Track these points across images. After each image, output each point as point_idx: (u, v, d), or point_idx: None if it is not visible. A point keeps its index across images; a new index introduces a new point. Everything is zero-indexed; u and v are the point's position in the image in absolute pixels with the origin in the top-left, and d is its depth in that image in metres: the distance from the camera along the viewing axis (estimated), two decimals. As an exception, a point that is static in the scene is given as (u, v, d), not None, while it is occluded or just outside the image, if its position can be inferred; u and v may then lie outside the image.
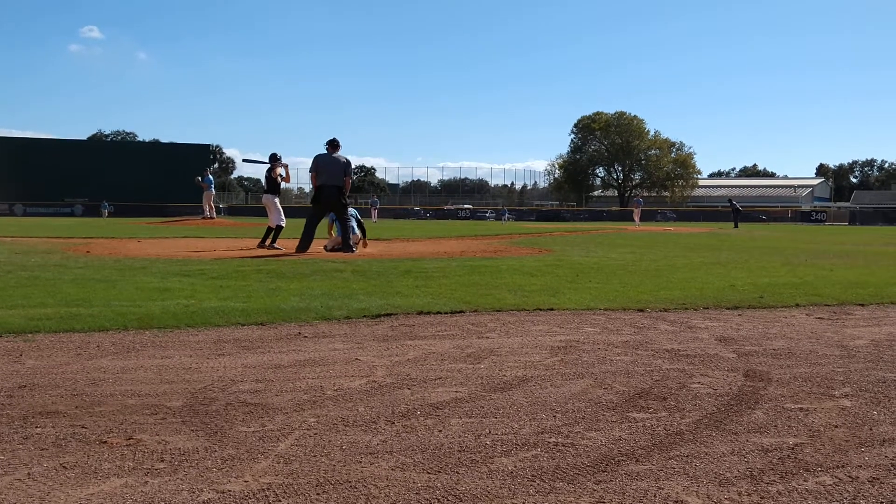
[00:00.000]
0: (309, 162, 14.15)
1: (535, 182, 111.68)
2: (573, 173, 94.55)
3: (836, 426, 3.31)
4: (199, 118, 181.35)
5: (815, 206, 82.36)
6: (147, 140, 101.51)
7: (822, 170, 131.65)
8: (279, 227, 14.61)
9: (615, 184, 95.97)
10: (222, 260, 11.71)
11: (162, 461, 2.77)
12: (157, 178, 67.05)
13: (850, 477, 2.69)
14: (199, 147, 74.76)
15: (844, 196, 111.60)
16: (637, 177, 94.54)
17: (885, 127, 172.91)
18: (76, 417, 3.31)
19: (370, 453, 2.89)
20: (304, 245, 13.51)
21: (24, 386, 3.86)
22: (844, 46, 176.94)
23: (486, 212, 72.80)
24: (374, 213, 51.94)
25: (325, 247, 14.21)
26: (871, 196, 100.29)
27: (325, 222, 14.33)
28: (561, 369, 4.39)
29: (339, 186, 13.49)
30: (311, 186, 14.29)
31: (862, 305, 7.32)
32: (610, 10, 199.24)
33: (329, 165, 13.53)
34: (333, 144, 13.71)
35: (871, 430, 3.26)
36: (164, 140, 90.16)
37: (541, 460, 2.83)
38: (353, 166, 13.86)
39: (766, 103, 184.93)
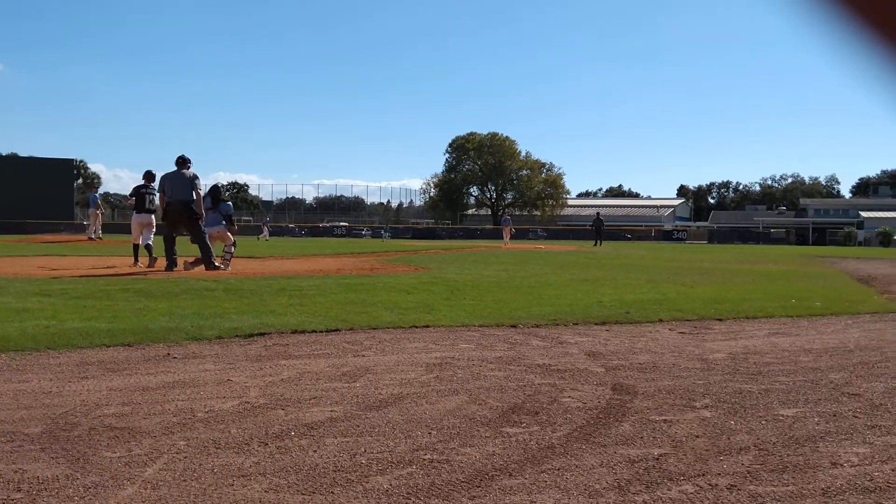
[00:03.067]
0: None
1: (412, 200, 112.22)
2: (448, 192, 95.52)
3: (698, 436, 3.47)
4: (62, 131, 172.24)
5: (676, 226, 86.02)
6: (4, 154, 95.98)
7: (682, 191, 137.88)
8: (135, 246, 14.31)
9: (489, 203, 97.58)
10: (86, 279, 11.18)
11: (19, 491, 2.62)
12: (15, 194, 63.30)
13: (710, 485, 2.82)
14: (61, 162, 71.05)
15: (703, 216, 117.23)
16: (509, 196, 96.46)
17: (739, 151, 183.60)
18: (-80, 448, 3.08)
19: (243, 476, 2.82)
20: (170, 264, 13.21)
21: None
22: (700, 74, 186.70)
23: (363, 230, 72.56)
24: (266, 230, 49.40)
25: (185, 264, 13.60)
26: (727, 216, 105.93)
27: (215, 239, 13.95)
28: (436, 386, 4.42)
29: (184, 201, 13.28)
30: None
31: (720, 320, 7.72)
32: (484, 38, 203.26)
33: (175, 182, 13.39)
34: (181, 161, 13.59)
35: (728, 439, 3.44)
36: (23, 154, 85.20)
37: (416, 478, 2.84)
38: (201, 180, 13.61)
39: (631, 127, 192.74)
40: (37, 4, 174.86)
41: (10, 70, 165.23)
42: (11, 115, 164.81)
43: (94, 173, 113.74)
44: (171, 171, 13.55)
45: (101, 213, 31.76)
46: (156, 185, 14.34)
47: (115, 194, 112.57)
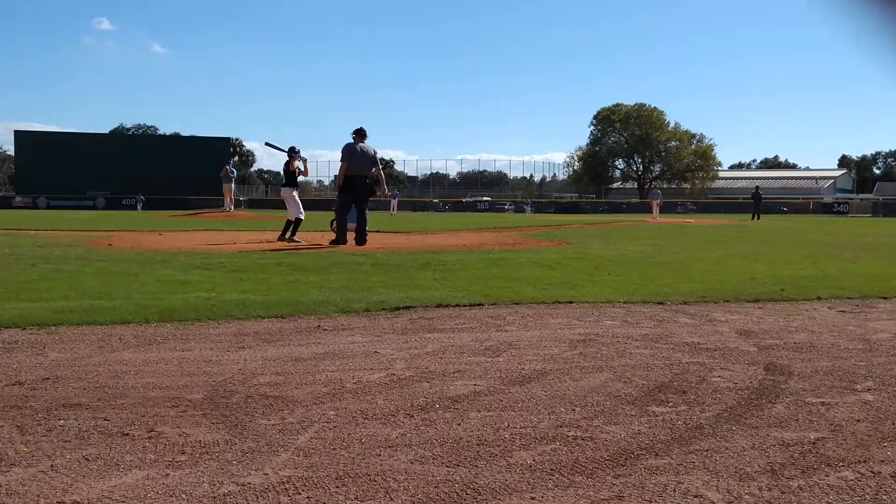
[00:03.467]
0: (328, 154, 14.24)
1: (555, 174, 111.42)
2: (592, 165, 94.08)
3: (859, 420, 3.28)
4: (219, 110, 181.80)
5: (837, 198, 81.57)
6: (168, 133, 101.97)
7: (844, 161, 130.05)
8: (298, 220, 14.64)
9: (635, 176, 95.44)
10: (242, 253, 11.77)
11: (183, 454, 2.79)
12: (179, 172, 67.36)
13: (872, 472, 2.67)
14: (219, 140, 75.08)
15: (867, 188, 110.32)
16: (657, 168, 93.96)
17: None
18: (98, 410, 3.34)
19: (389, 446, 2.90)
20: (341, 238, 13.54)
21: (48, 378, 3.90)
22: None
23: (505, 204, 72.70)
24: (395, 203, 51.16)
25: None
26: (895, 187, 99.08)
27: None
28: (580, 363, 4.39)
29: (367, 177, 13.63)
30: (331, 179, 14.38)
31: (885, 298, 7.24)
32: (630, 10, 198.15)
33: (360, 156, 13.63)
34: (361, 134, 13.80)
35: (893, 424, 3.24)
36: (184, 133, 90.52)
37: (560, 454, 2.83)
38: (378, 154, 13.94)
39: (788, 93, 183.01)
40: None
41: (168, 51, 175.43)
42: (172, 96, 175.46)
43: (249, 150, 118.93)
44: (352, 143, 13.75)
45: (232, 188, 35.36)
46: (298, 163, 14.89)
47: (269, 171, 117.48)
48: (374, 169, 13.76)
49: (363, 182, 13.61)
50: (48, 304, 6.17)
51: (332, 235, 14.66)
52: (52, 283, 7.60)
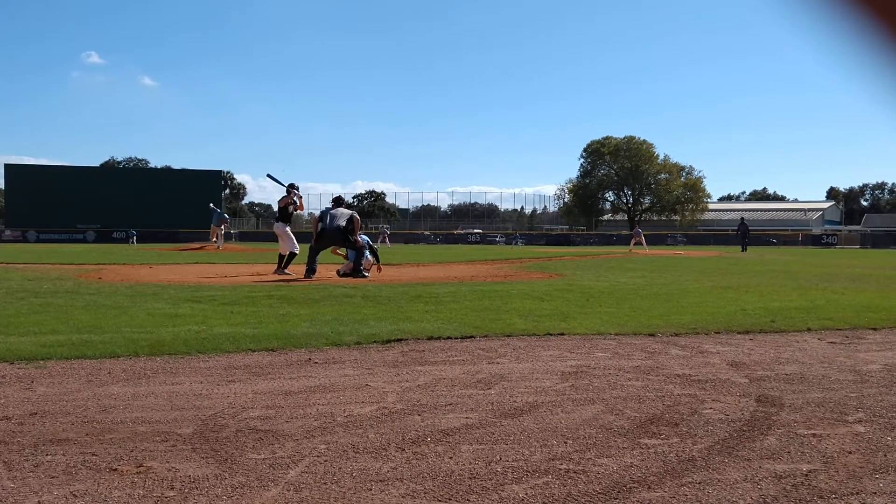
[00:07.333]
0: (320, 187, 14.56)
1: (545, 206, 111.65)
2: (583, 197, 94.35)
3: (850, 452, 3.28)
4: (210, 144, 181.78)
5: (825, 230, 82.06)
6: (159, 166, 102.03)
7: (832, 193, 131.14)
8: (292, 254, 14.70)
9: (625, 208, 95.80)
10: (233, 286, 11.73)
11: (172, 489, 2.77)
12: (170, 205, 67.32)
13: (864, 504, 2.66)
14: (210, 173, 75.10)
15: (855, 219, 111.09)
16: (647, 201, 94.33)
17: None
18: (87, 445, 3.31)
19: (381, 480, 2.87)
20: (309, 272, 13.62)
21: (36, 413, 3.87)
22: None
23: (497, 236, 72.80)
24: (384, 238, 51.11)
25: (338, 272, 14.26)
26: (882, 219, 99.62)
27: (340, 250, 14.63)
28: (572, 395, 4.38)
29: (340, 227, 13.86)
30: (319, 211, 14.85)
31: (874, 330, 7.27)
32: (615, 29, 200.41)
33: (330, 216, 14.05)
34: (338, 202, 14.48)
35: (885, 456, 3.23)
36: (175, 166, 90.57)
37: (552, 487, 2.81)
38: (359, 219, 14.27)
39: (777, 126, 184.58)
40: (180, 24, 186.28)
41: (159, 85, 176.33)
42: (164, 129, 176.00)
43: (240, 183, 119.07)
44: (327, 207, 14.43)
45: (223, 226, 35.20)
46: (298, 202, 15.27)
47: (260, 203, 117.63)
48: (347, 225, 13.97)
49: (333, 231, 13.93)
50: (37, 338, 6.13)
51: (327, 269, 14.75)
52: (41, 316, 7.56)
